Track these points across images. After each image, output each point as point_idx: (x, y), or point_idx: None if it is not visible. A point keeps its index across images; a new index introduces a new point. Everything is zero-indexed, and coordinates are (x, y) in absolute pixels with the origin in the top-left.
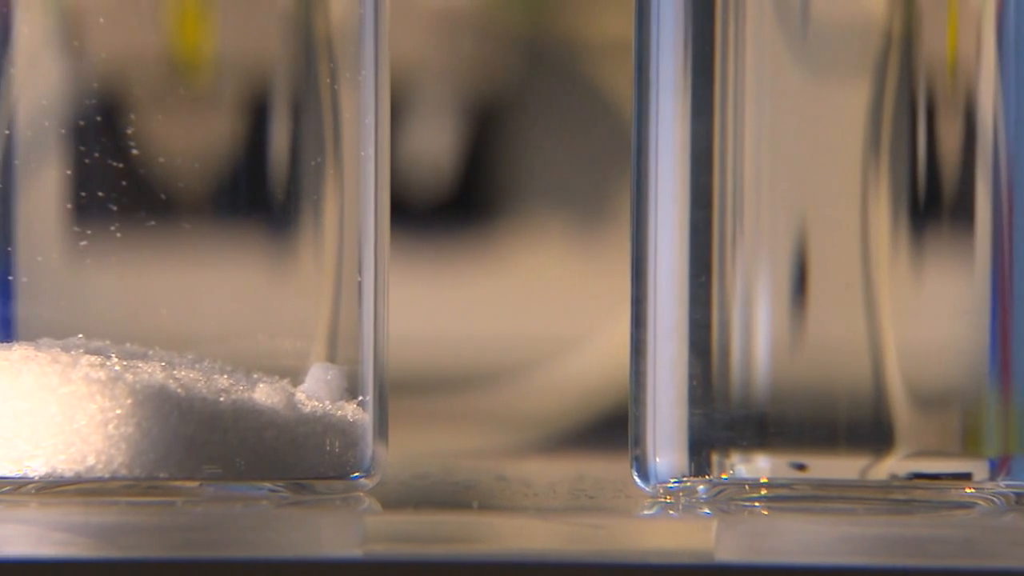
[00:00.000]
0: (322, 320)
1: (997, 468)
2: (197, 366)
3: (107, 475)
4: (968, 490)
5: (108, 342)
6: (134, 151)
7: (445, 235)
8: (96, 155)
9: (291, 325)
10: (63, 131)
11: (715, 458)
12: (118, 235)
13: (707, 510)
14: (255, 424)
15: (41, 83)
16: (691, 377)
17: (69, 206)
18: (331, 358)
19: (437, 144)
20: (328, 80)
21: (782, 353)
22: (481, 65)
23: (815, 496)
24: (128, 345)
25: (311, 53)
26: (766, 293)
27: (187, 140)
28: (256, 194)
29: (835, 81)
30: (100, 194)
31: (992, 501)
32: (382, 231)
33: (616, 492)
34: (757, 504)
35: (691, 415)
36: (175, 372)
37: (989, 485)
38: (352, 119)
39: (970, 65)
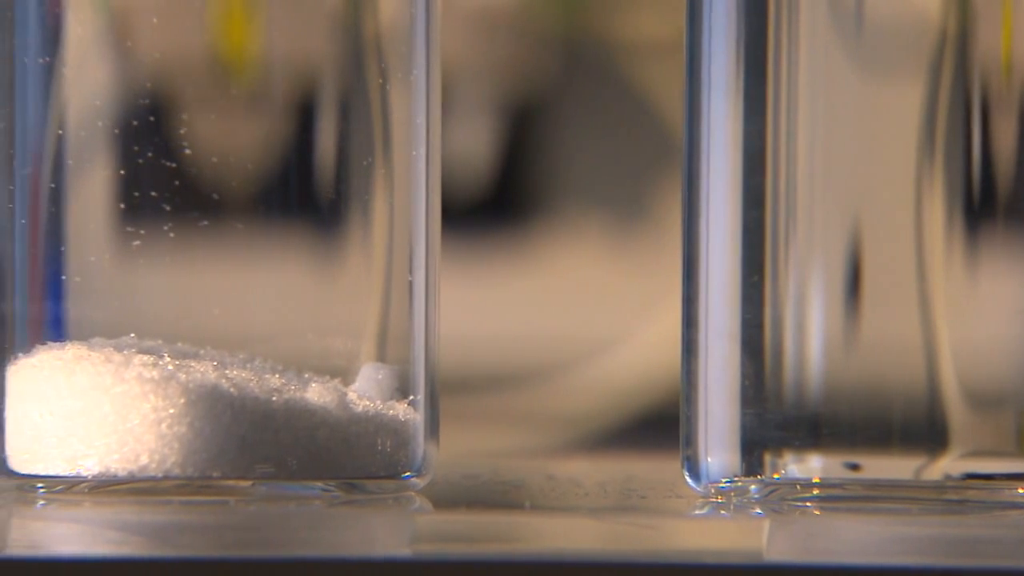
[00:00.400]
0: (372, 320)
1: None
2: (248, 365)
3: (160, 474)
4: (1022, 490)
5: (160, 341)
6: (186, 151)
7: (482, 235)
8: (149, 155)
9: (341, 325)
10: (116, 131)
11: (767, 458)
12: (171, 235)
13: (759, 510)
14: (307, 423)
15: (92, 83)
16: (743, 377)
17: (122, 206)
18: (381, 358)
19: (474, 144)
20: (378, 80)
21: (835, 353)
22: (518, 65)
23: (867, 496)
24: (179, 344)
25: (360, 53)
26: (819, 292)
27: (237, 140)
28: (307, 194)
29: (889, 80)
30: (153, 194)
31: None
32: (433, 231)
33: (667, 492)
34: (809, 504)
35: (743, 415)
36: (227, 372)
37: None
38: (403, 119)
39: None
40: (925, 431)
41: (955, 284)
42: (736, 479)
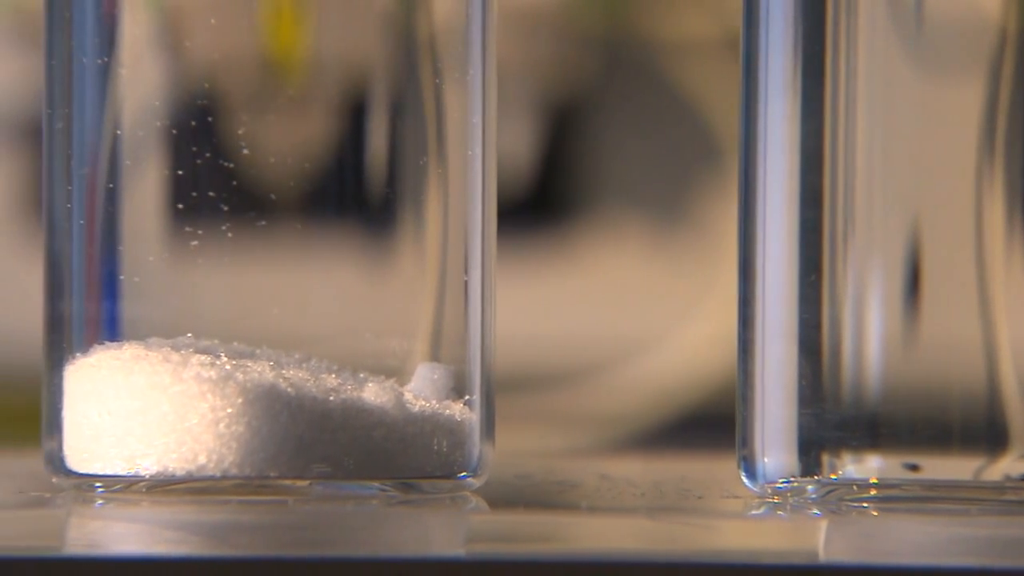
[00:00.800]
0: (426, 320)
1: None
2: (304, 365)
3: (218, 474)
4: None
5: (216, 341)
6: (244, 151)
7: (523, 235)
8: (207, 155)
9: (395, 325)
10: (173, 131)
11: (825, 458)
12: (228, 235)
13: (816, 511)
14: (364, 423)
15: (147, 83)
16: (800, 377)
17: (179, 206)
18: (435, 357)
19: (516, 144)
20: (432, 80)
21: (894, 352)
22: (560, 65)
23: (926, 497)
24: (235, 344)
25: (413, 54)
26: (878, 292)
27: (293, 140)
28: (361, 194)
29: (949, 79)
30: (210, 194)
31: None
32: (489, 231)
33: (723, 492)
34: (866, 505)
35: (800, 415)
36: (284, 371)
37: None
38: (458, 119)
39: None
40: (984, 431)
41: (1015, 283)
42: (793, 479)
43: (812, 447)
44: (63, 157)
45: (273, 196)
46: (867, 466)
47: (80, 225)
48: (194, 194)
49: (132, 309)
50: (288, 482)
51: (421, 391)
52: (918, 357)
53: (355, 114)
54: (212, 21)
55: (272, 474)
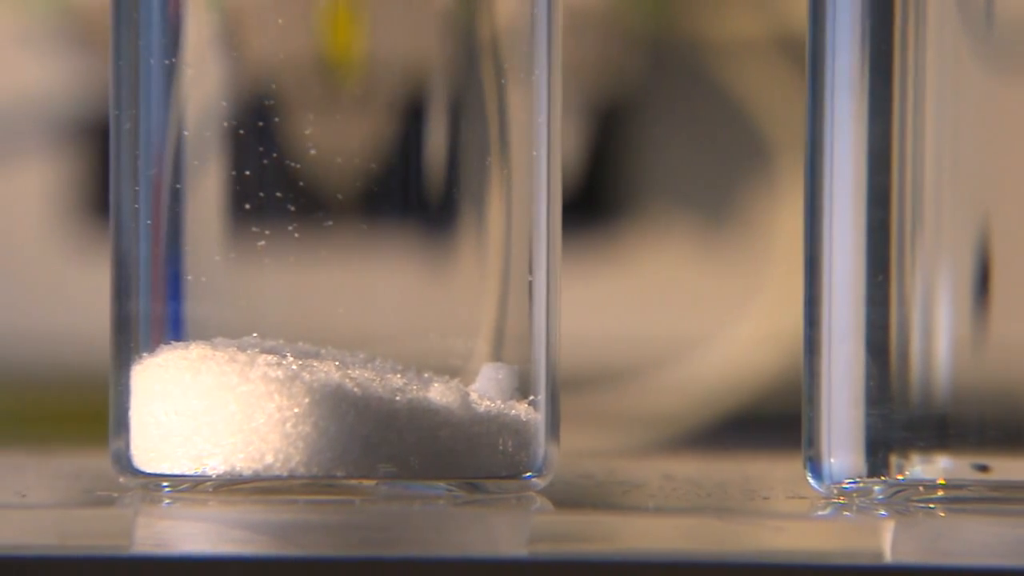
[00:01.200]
0: (488, 319)
1: None
2: (369, 365)
3: (285, 473)
4: None
5: (281, 341)
6: (311, 151)
7: (570, 235)
8: (274, 155)
9: (458, 324)
10: (241, 132)
11: (892, 459)
12: (295, 235)
13: (883, 511)
14: (430, 423)
15: (212, 84)
16: (868, 377)
17: (246, 206)
18: (498, 357)
19: (563, 144)
20: (495, 81)
21: (963, 352)
22: (607, 65)
23: (994, 497)
24: (300, 344)
25: (475, 54)
26: (947, 292)
27: (357, 140)
28: (424, 194)
29: (1018, 77)
30: (277, 194)
31: None
32: (554, 232)
33: (789, 492)
34: (933, 506)
35: (868, 416)
36: (350, 371)
37: None
38: (523, 120)
39: None
40: None
41: None
42: (860, 480)
43: (879, 448)
44: (130, 158)
45: (340, 196)
46: (935, 467)
47: (147, 225)
48: (261, 194)
49: (198, 309)
50: (354, 482)
51: (486, 391)
52: (987, 357)
53: (418, 114)
54: (279, 21)
55: (338, 474)
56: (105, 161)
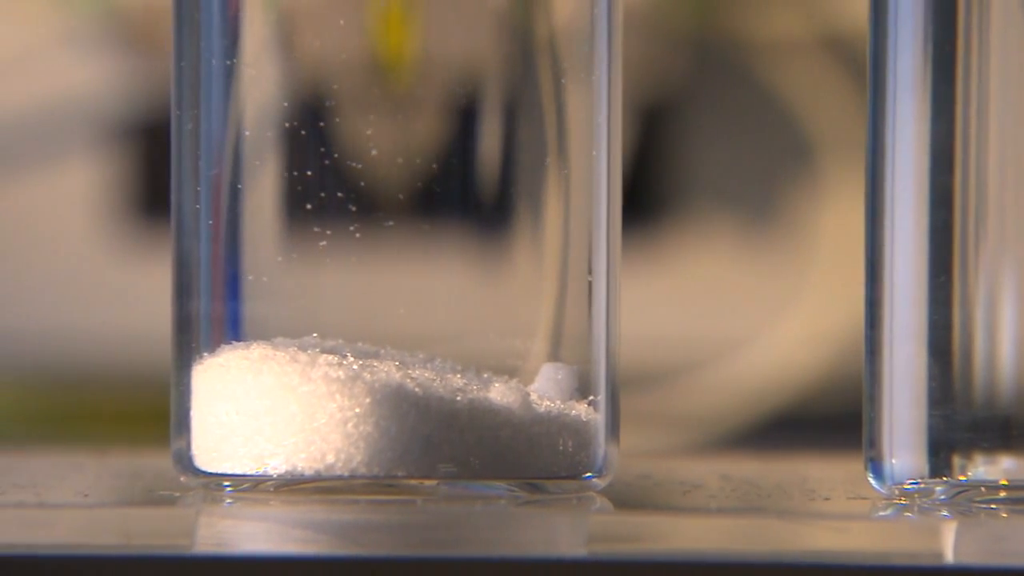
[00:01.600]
0: (546, 320)
1: None
2: (429, 365)
3: (346, 473)
4: None
5: (341, 341)
6: (373, 152)
7: None
8: (335, 156)
9: (516, 324)
10: (302, 132)
11: (955, 459)
12: (357, 235)
13: (945, 512)
14: (491, 423)
15: (273, 84)
16: (930, 378)
17: (308, 206)
18: (556, 357)
19: None
20: (553, 80)
21: None
22: (650, 65)
23: None
24: (360, 344)
25: (532, 54)
26: (1010, 292)
27: (416, 140)
28: (481, 194)
29: None
30: (339, 195)
31: None
32: (614, 232)
33: (849, 493)
34: (995, 506)
35: (930, 416)
36: (410, 371)
37: None
38: (582, 120)
39: None
40: None
41: None
42: (922, 481)
43: (941, 448)
44: (192, 158)
45: (401, 196)
46: (997, 467)
47: (208, 225)
48: (321, 194)
49: (258, 309)
50: (415, 482)
51: (545, 391)
52: None
53: (477, 114)
54: (340, 22)
55: (400, 474)
56: (150, 161)
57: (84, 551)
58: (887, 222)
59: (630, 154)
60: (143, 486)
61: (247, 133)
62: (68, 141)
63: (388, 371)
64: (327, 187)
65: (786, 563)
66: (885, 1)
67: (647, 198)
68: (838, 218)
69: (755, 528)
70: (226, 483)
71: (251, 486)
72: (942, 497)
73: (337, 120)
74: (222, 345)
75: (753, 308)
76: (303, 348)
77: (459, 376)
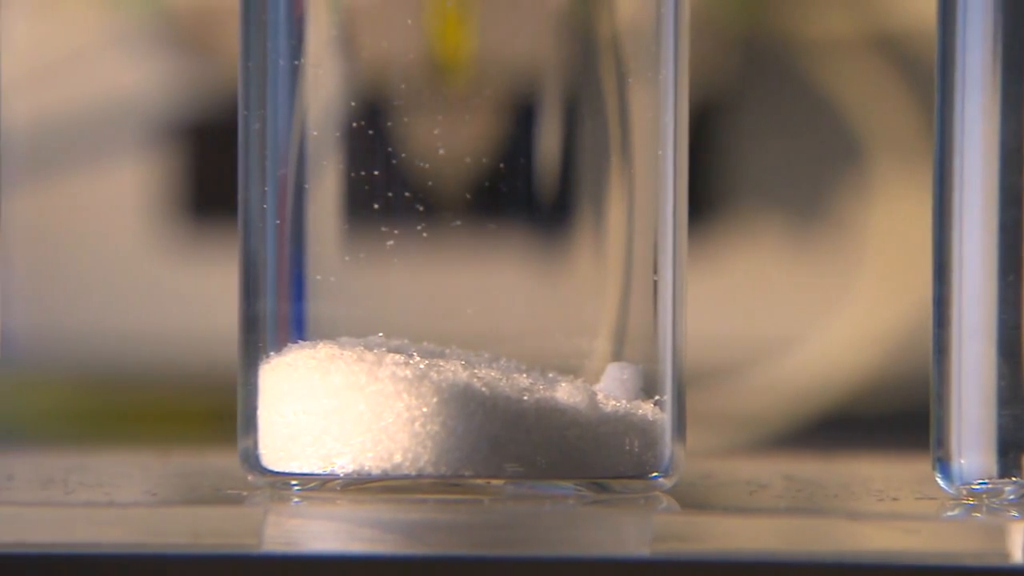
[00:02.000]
0: (610, 319)
1: None
2: (495, 365)
3: (413, 472)
4: None
5: (406, 341)
6: (440, 151)
7: None
8: (402, 155)
9: (580, 324)
10: (370, 132)
11: None
12: (424, 235)
13: (1014, 512)
14: (558, 423)
15: (340, 84)
16: (999, 377)
17: (375, 206)
18: (620, 357)
19: None
20: (616, 79)
21: None
22: (699, 63)
23: None
24: (425, 344)
25: (594, 53)
26: None
27: (480, 140)
28: (544, 194)
29: None
30: (406, 194)
31: None
32: (680, 231)
33: (917, 493)
34: None
35: (999, 416)
36: (476, 371)
37: None
38: (647, 119)
39: None
40: None
41: None
42: (990, 481)
43: (1010, 448)
44: (258, 158)
45: (468, 196)
46: None
47: (275, 225)
48: (389, 194)
49: (325, 308)
50: (482, 481)
51: (611, 391)
52: None
53: (542, 114)
54: (408, 22)
55: (466, 473)
56: (199, 161)
57: (153, 550)
58: (955, 221)
59: None
60: (210, 485)
61: (314, 133)
62: (118, 142)
63: (455, 370)
64: (393, 186)
65: (857, 564)
66: None
67: (696, 198)
68: (887, 218)
69: (824, 529)
70: (293, 482)
71: (318, 485)
72: (1011, 497)
73: (405, 120)
74: (288, 344)
75: (802, 308)
76: (369, 347)
77: (525, 376)
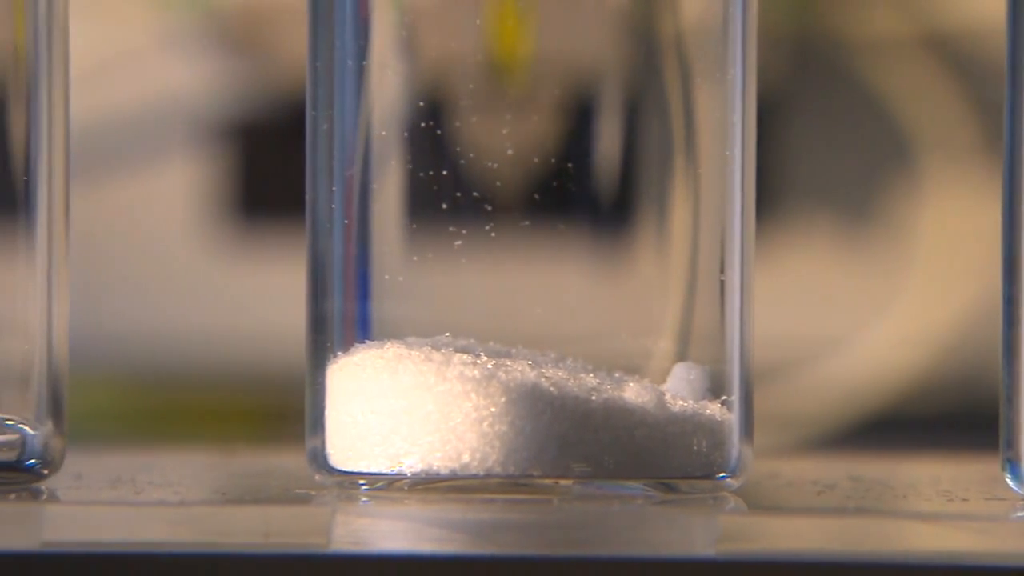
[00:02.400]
0: (675, 319)
1: None
2: (561, 365)
3: (481, 472)
4: None
5: (472, 340)
6: (509, 152)
7: None
8: (471, 155)
9: (646, 324)
10: (438, 132)
11: None
12: (492, 234)
13: None
14: (626, 423)
15: (407, 84)
16: None
17: (444, 206)
18: (686, 357)
19: None
20: (679, 80)
21: None
22: None
23: None
24: (491, 344)
25: (658, 53)
26: None
27: (546, 141)
28: (611, 194)
29: None
30: (475, 194)
31: None
32: (748, 231)
33: (986, 494)
34: None
35: None
36: (544, 371)
37: None
38: (714, 119)
39: None
40: None
41: None
42: None
43: None
44: (326, 158)
45: (536, 196)
46: None
47: (343, 225)
48: (457, 194)
49: (392, 308)
50: (550, 481)
51: (677, 391)
52: None
53: (606, 114)
54: (477, 22)
55: (535, 473)
56: (249, 161)
57: (224, 549)
58: None
59: None
60: (278, 485)
61: (381, 133)
62: (168, 141)
63: (522, 370)
64: (460, 186)
65: (928, 565)
66: None
67: None
68: (938, 219)
69: (894, 529)
70: (361, 482)
71: (386, 485)
72: None
73: (472, 120)
74: (355, 344)
75: (851, 308)
76: (436, 347)
77: (592, 376)
